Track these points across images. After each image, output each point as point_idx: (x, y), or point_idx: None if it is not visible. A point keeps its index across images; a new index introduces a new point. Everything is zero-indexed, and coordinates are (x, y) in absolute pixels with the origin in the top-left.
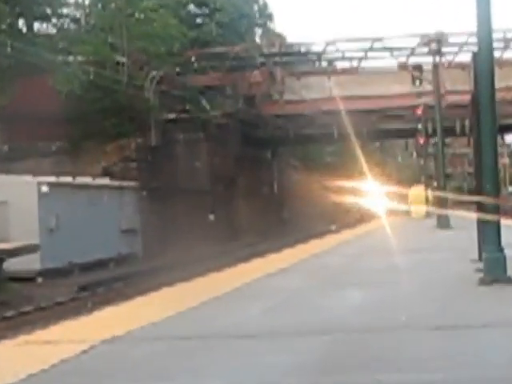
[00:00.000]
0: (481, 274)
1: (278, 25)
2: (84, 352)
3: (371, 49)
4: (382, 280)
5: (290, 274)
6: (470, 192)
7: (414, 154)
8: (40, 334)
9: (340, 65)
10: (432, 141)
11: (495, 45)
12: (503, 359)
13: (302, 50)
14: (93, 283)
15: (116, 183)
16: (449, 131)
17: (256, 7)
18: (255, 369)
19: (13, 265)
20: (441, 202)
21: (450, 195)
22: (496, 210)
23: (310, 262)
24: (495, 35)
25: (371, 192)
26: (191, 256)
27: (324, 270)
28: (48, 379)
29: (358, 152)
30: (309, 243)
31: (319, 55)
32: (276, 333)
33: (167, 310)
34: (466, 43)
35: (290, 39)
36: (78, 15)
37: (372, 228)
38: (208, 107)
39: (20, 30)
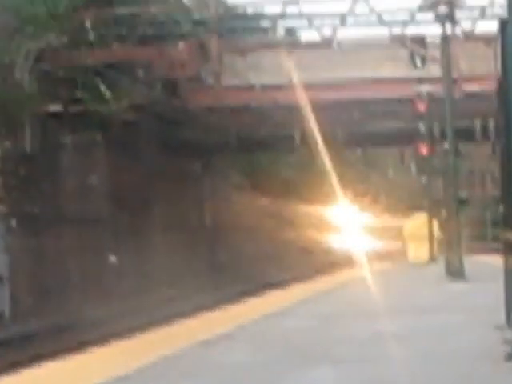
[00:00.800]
0: (509, 348)
1: None
2: None
3: (351, 12)
4: (364, 357)
5: (229, 348)
6: (495, 225)
7: (414, 169)
8: None
9: (306, 36)
10: (439, 149)
11: None
12: None
13: (250, 12)
14: None
15: None
16: (465, 135)
17: None
18: None
19: None
20: (452, 241)
21: (466, 230)
22: None
23: (260, 327)
24: None
25: (348, 224)
26: (83, 317)
27: (282, 341)
28: None
29: (331, 165)
30: (256, 298)
31: (274, 20)
32: None
33: None
34: (491, 5)
35: None
36: None
37: (349, 278)
38: (109, 96)
39: None
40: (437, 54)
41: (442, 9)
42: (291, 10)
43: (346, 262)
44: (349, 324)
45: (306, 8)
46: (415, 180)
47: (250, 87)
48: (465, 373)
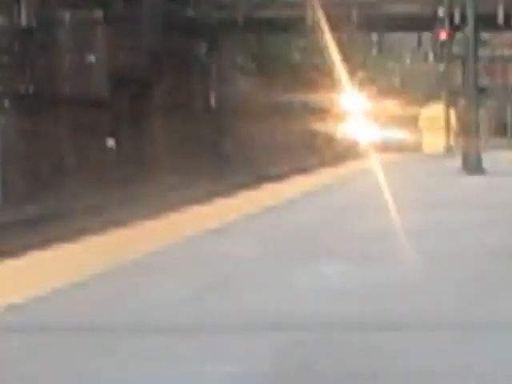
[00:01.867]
0: None
1: None
2: None
3: None
4: (372, 251)
5: (228, 236)
6: None
7: (431, 56)
8: None
9: None
10: (459, 35)
11: None
12: None
13: None
14: None
15: None
16: (487, 21)
17: None
18: None
19: None
20: (470, 131)
21: (486, 120)
22: None
23: (260, 220)
24: None
25: (362, 113)
26: (78, 203)
27: (290, 232)
28: None
29: (345, 50)
30: (261, 189)
31: None
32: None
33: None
34: None
35: None
36: None
37: (362, 168)
38: None
39: None
40: None
41: None
42: None
43: (359, 152)
44: (362, 218)
45: None
46: (433, 67)
47: None
48: (480, 272)
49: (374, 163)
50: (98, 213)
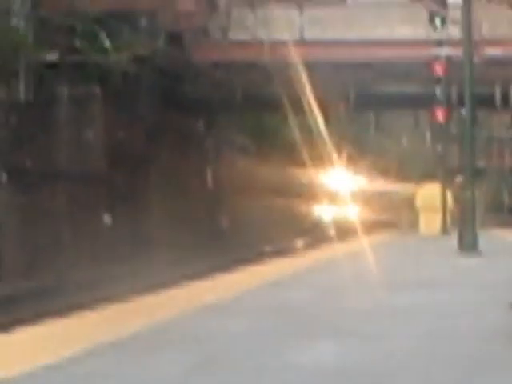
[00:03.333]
0: None
1: None
2: None
3: None
4: (376, 332)
5: (225, 315)
6: None
7: (428, 136)
8: None
9: None
10: (456, 115)
11: None
12: None
13: None
14: None
15: None
16: (484, 102)
17: None
18: None
19: None
20: (466, 211)
21: (481, 201)
22: None
23: (261, 297)
24: None
25: (358, 192)
26: (73, 279)
27: (284, 310)
28: None
29: (341, 129)
30: (261, 265)
31: None
32: None
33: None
34: None
35: None
36: None
37: (359, 248)
38: (109, 46)
39: None
40: (457, 15)
41: None
42: None
43: (356, 231)
44: (356, 297)
45: None
46: (430, 148)
47: (259, 43)
48: (476, 355)
49: (376, 242)
50: (93, 288)
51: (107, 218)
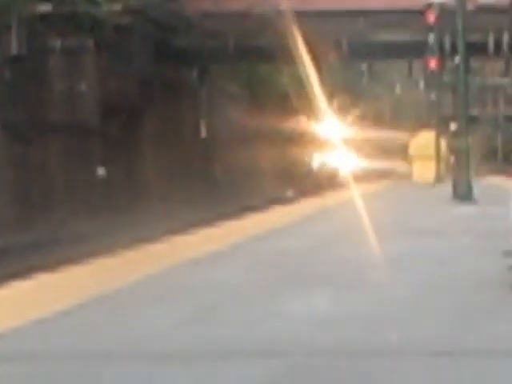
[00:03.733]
0: None
1: None
2: None
3: None
4: (365, 277)
5: (224, 262)
6: (507, 145)
7: (422, 84)
8: None
9: None
10: (449, 64)
11: None
12: None
13: None
14: None
15: None
16: (477, 49)
17: None
18: None
19: None
20: (461, 159)
21: (475, 149)
22: None
23: (249, 248)
24: None
25: (352, 141)
26: (67, 231)
27: (276, 259)
28: None
29: (334, 78)
30: (250, 218)
31: None
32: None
33: (19, 314)
34: None
35: None
36: None
37: (348, 198)
38: None
39: None
40: None
41: None
42: None
43: (350, 179)
44: (350, 246)
45: None
46: (423, 96)
47: None
48: (467, 302)
49: (370, 190)
50: (84, 241)
51: (101, 170)
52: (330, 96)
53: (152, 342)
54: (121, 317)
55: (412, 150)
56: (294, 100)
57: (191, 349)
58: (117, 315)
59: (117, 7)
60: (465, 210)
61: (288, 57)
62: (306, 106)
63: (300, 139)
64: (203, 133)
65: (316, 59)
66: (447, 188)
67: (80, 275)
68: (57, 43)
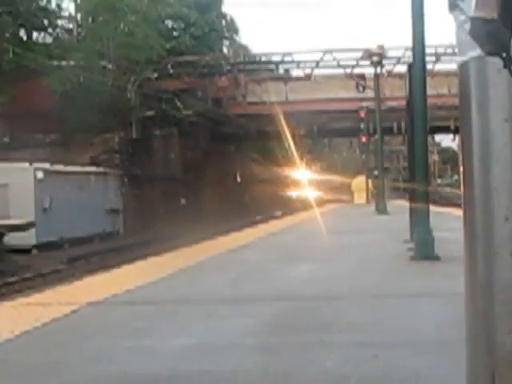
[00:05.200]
0: (412, 253)
1: (243, 37)
2: (73, 312)
3: (322, 60)
4: (329, 256)
5: (250, 249)
6: (404, 183)
7: (357, 150)
8: (34, 297)
9: (295, 73)
10: (373, 139)
11: (427, 58)
12: (426, 326)
13: (263, 59)
14: (81, 255)
15: (101, 170)
16: (387, 131)
17: (224, 22)
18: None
19: (12, 239)
20: (379, 190)
21: (387, 185)
22: (426, 198)
23: (275, 239)
24: (427, 50)
25: (316, 182)
26: (165, 234)
27: (278, 247)
28: (39, 336)
29: (309, 147)
30: (258, 227)
31: (277, 64)
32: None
33: (143, 277)
34: (403, 56)
35: (253, 50)
36: (70, 26)
37: (319, 212)
38: (181, 107)
39: (21, 39)
40: (371, 84)
41: (375, 58)
42: (287, 58)
43: (318, 203)
44: (317, 238)
45: (296, 57)
46: (358, 157)
47: (263, 102)
48: (385, 264)
49: (329, 208)
50: (173, 239)
51: (183, 200)
52: (305, 157)
53: (211, 292)
54: (195, 279)
55: (353, 186)
56: (283, 159)
57: (234, 296)
58: (192, 278)
59: (189, 112)
60: (382, 217)
61: (281, 136)
62: (290, 162)
63: (285, 181)
64: (238, 179)
65: (297, 137)
66: (372, 206)
67: (172, 257)
68: (157, 132)
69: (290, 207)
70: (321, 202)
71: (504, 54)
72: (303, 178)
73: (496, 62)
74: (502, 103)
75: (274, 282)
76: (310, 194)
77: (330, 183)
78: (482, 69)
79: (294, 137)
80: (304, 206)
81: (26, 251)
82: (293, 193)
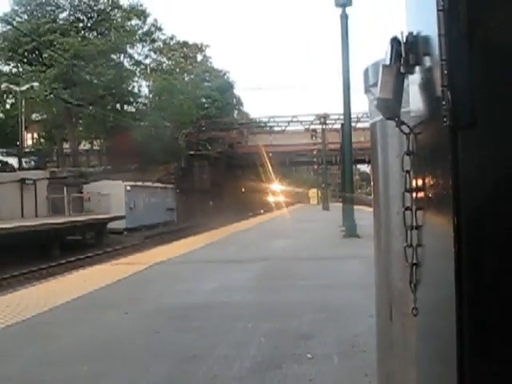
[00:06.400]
0: (343, 233)
1: (246, 107)
2: (147, 268)
3: (291, 121)
4: (294, 235)
5: (249, 232)
6: (339, 192)
7: (312, 174)
8: (123, 260)
9: (276, 128)
10: (321, 167)
11: (352, 120)
12: (352, 275)
13: (257, 120)
14: (151, 235)
15: (163, 185)
16: (329, 162)
17: (234, 100)
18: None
19: (112, 225)
20: (325, 197)
21: (329, 193)
22: (351, 201)
23: (262, 226)
24: (353, 115)
25: (287, 192)
26: (200, 223)
27: (264, 230)
28: (129, 280)
29: (284, 172)
30: (249, 220)
31: (265, 123)
32: (243, 258)
33: (189, 248)
34: (338, 119)
35: (252, 115)
36: (145, 101)
37: (286, 210)
38: (210, 149)
39: (117, 109)
40: (320, 135)
41: (322, 120)
42: (271, 120)
43: (287, 205)
44: (282, 225)
45: (276, 119)
46: (312, 177)
47: (257, 146)
48: (328, 240)
49: (291, 208)
50: (204, 225)
51: (211, 203)
52: (279, 177)
53: (226, 256)
54: (216, 249)
55: (309, 194)
56: (266, 178)
57: (239, 258)
58: (215, 248)
59: (214, 151)
60: (326, 212)
61: (267, 165)
62: (270, 180)
63: (267, 191)
64: (243, 190)
65: (275, 166)
66: (320, 206)
67: (203, 237)
68: (196, 163)
69: (270, 207)
70: (288, 204)
71: (396, 119)
72: (278, 189)
73: (391, 123)
74: (395, 146)
75: (263, 250)
76: (282, 199)
77: (295, 192)
78: (383, 127)
79: (273, 166)
80: (278, 206)
81: (119, 233)
82: (271, 198)
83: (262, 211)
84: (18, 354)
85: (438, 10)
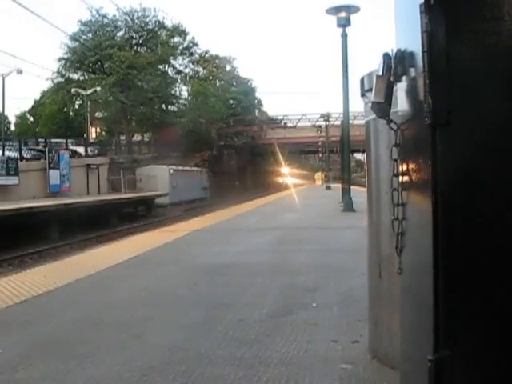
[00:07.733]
0: (342, 208)
1: (265, 107)
2: (187, 234)
3: (301, 119)
4: (301, 209)
5: (269, 206)
6: (339, 175)
7: (317, 160)
8: (168, 228)
9: (289, 124)
10: (325, 155)
11: (350, 117)
12: (349, 241)
13: (274, 118)
14: (190, 208)
15: (199, 169)
16: (331, 151)
17: (256, 100)
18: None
19: (159, 200)
20: (329, 178)
21: (331, 175)
22: (349, 182)
23: (277, 202)
24: (350, 114)
25: (297, 175)
26: (228, 199)
27: (279, 206)
28: (172, 244)
29: (294, 158)
30: (273, 195)
31: (281, 120)
32: (261, 228)
33: (219, 218)
34: (339, 117)
35: (270, 113)
36: (185, 102)
37: (296, 190)
38: (236, 140)
39: (162, 109)
40: (324, 129)
41: (326, 117)
42: (286, 117)
43: (296, 185)
44: (292, 201)
45: (290, 117)
46: (317, 163)
47: (274, 138)
48: (329, 213)
49: (299, 187)
50: (234, 199)
51: (237, 183)
52: (290, 162)
53: (249, 225)
54: (242, 220)
55: (315, 176)
56: (280, 163)
57: (258, 227)
58: (241, 219)
59: (240, 142)
60: (329, 191)
61: (280, 153)
62: (283, 165)
63: (280, 174)
64: (261, 173)
65: (287, 154)
66: (324, 186)
67: (231, 210)
68: (225, 152)
69: (283, 187)
70: (297, 185)
71: (386, 118)
72: (290, 173)
73: (382, 121)
74: (385, 140)
75: (278, 221)
76: (293, 180)
77: (304, 175)
78: (376, 124)
79: (286, 154)
80: (290, 186)
81: (164, 206)
82: (285, 180)
83: (276, 191)
84: (84, 302)
85: (422, 32)
